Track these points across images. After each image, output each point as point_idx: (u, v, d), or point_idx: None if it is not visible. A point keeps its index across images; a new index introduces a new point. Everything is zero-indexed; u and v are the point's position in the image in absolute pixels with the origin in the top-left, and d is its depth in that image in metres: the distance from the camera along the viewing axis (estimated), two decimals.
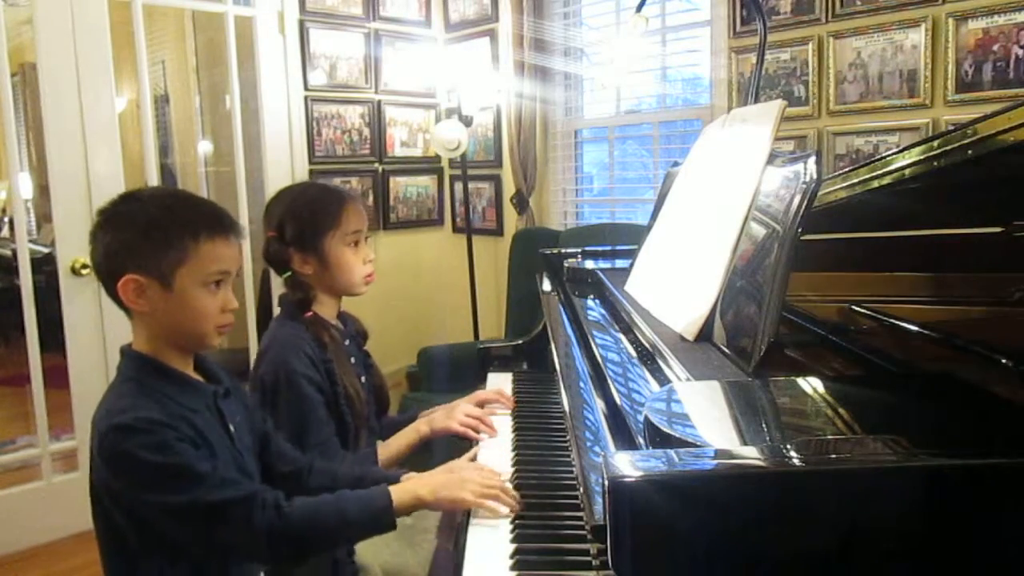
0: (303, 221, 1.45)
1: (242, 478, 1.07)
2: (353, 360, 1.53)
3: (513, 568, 0.96)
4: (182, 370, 1.12)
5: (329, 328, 1.48)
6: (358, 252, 1.49)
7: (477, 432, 1.44)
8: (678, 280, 1.21)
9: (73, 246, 2.50)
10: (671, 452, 0.65)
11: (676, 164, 1.59)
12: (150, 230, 1.05)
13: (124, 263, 1.05)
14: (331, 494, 1.11)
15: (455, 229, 3.74)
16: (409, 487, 1.13)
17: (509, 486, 1.14)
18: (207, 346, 1.14)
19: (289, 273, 1.47)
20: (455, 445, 1.50)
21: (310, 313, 1.47)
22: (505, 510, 1.09)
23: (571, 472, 1.19)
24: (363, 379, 1.54)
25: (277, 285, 2.86)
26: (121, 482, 1.02)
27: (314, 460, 1.31)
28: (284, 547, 1.06)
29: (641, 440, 0.78)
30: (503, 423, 1.48)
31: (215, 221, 1.10)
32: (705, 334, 1.04)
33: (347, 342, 1.54)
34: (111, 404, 1.05)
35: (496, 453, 1.35)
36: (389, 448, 1.48)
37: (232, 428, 1.14)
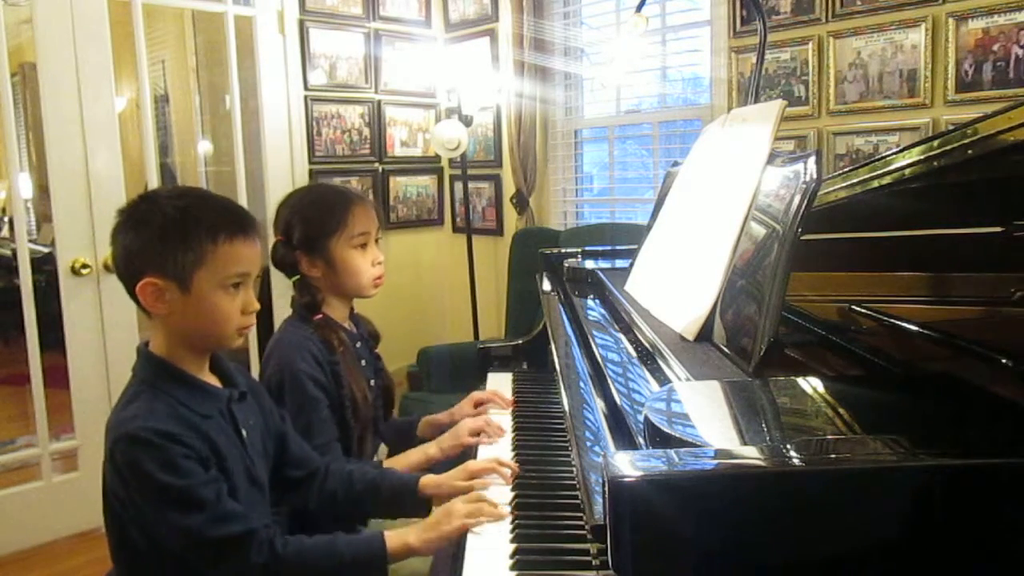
0: (309, 224, 1.44)
1: (243, 510, 1.06)
2: (364, 363, 1.53)
3: (513, 568, 0.96)
4: (197, 374, 1.11)
5: (339, 331, 1.47)
6: (366, 254, 1.48)
7: (488, 436, 1.43)
8: (678, 280, 1.21)
9: (73, 246, 2.50)
10: (671, 452, 0.65)
11: (676, 164, 1.58)
12: (167, 231, 1.04)
13: (143, 265, 1.04)
14: (326, 536, 1.11)
15: (455, 229, 3.74)
16: (400, 535, 1.12)
17: (489, 498, 1.13)
18: (225, 347, 1.13)
19: (298, 276, 1.47)
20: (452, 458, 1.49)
21: (319, 316, 1.46)
22: (488, 520, 1.08)
23: (571, 472, 1.19)
24: (372, 382, 1.53)
25: (277, 285, 2.86)
26: (128, 490, 1.02)
27: (331, 462, 1.31)
28: None
29: (641, 440, 0.78)
30: (503, 421, 1.48)
31: (233, 221, 1.08)
32: (705, 334, 1.04)
33: (358, 344, 1.53)
34: (124, 408, 1.05)
35: (496, 453, 1.35)
36: (398, 465, 1.46)
37: (244, 433, 1.14)
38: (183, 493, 1.00)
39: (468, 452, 1.41)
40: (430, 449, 1.46)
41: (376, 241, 1.51)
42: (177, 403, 1.05)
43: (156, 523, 1.02)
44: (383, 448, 1.61)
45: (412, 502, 1.25)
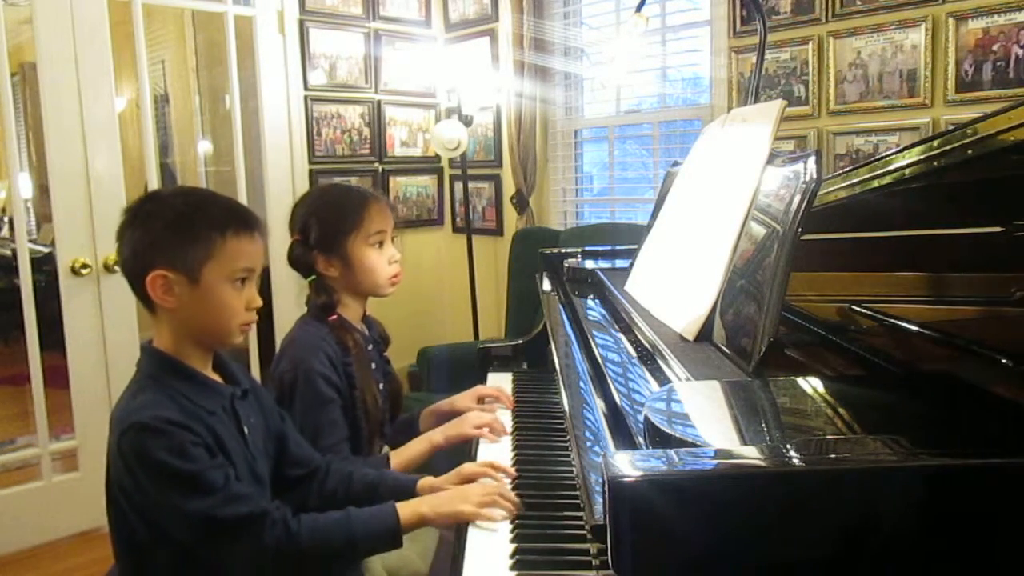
0: (326, 223, 1.44)
1: (253, 492, 1.08)
2: (374, 366, 1.53)
3: (513, 568, 0.96)
4: (201, 370, 1.13)
5: (353, 332, 1.47)
6: (383, 252, 1.48)
7: (493, 432, 1.43)
8: (678, 280, 1.21)
9: (73, 246, 2.50)
10: (671, 452, 0.65)
11: (676, 164, 1.58)
12: (177, 225, 1.07)
13: (152, 259, 1.06)
14: (339, 511, 1.12)
15: (455, 229, 3.74)
16: (412, 505, 1.14)
17: (508, 491, 1.14)
18: (228, 344, 1.15)
19: (314, 277, 1.47)
20: (454, 446, 1.49)
21: (334, 316, 1.46)
22: (501, 514, 1.09)
23: (571, 472, 1.19)
24: (381, 386, 1.53)
25: (278, 285, 2.86)
26: (136, 480, 1.03)
27: (331, 461, 1.31)
28: (290, 565, 1.07)
29: (641, 440, 0.78)
30: (503, 421, 1.48)
31: (240, 218, 1.11)
32: (705, 334, 1.04)
33: (370, 347, 1.53)
34: (129, 401, 1.07)
35: (496, 452, 1.35)
36: (401, 456, 1.46)
37: (247, 430, 1.15)
38: (193, 477, 1.01)
39: (468, 448, 1.41)
40: (434, 437, 1.46)
41: (392, 239, 1.51)
42: (182, 397, 1.07)
43: (166, 511, 1.02)
44: (386, 448, 1.61)
45: None
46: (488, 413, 1.49)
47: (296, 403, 1.37)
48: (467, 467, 1.25)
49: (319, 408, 1.38)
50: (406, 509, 1.13)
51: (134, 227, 1.09)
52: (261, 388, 1.28)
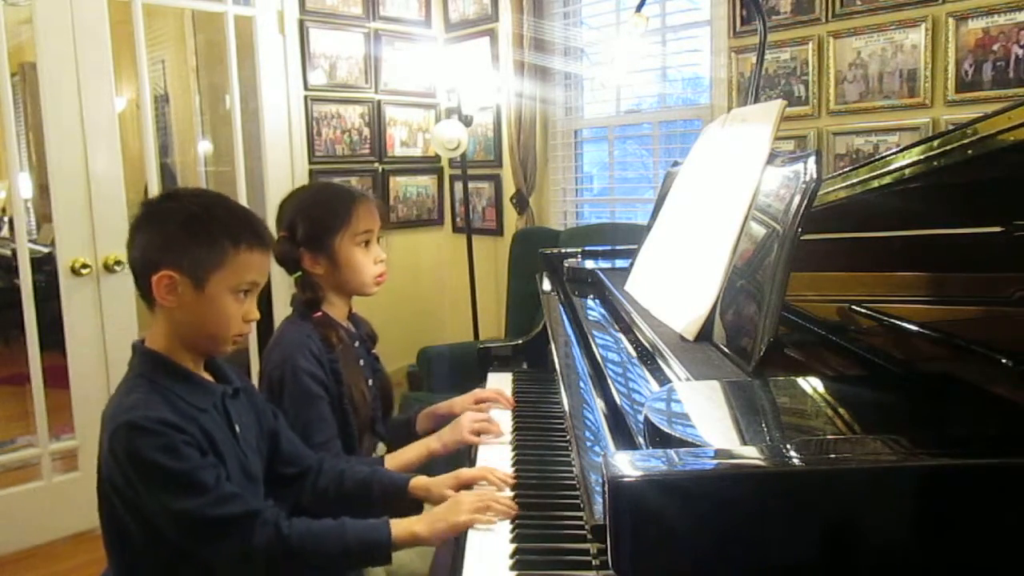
0: (313, 221, 1.45)
1: (244, 492, 1.08)
2: (362, 363, 1.53)
3: (513, 568, 0.96)
4: (193, 370, 1.13)
5: (338, 329, 1.48)
6: (369, 252, 1.49)
7: (488, 434, 1.43)
8: (678, 280, 1.21)
9: (73, 246, 2.50)
10: (671, 452, 0.65)
11: (676, 164, 1.59)
12: (192, 229, 1.07)
13: (162, 258, 1.07)
14: (333, 519, 1.12)
15: (455, 229, 3.74)
16: (408, 524, 1.12)
17: (503, 496, 1.14)
18: (219, 352, 1.16)
19: (300, 273, 1.47)
20: (452, 453, 1.49)
21: (319, 313, 1.46)
22: (497, 518, 1.08)
23: (571, 472, 1.19)
24: (370, 382, 1.54)
25: (278, 289, 2.86)
26: (127, 479, 1.03)
27: (324, 459, 1.31)
28: (280, 568, 1.07)
29: (641, 440, 0.78)
30: (503, 421, 1.48)
31: (254, 231, 1.12)
32: (705, 334, 1.04)
33: (356, 344, 1.54)
34: (121, 400, 1.07)
35: (496, 453, 1.35)
36: (397, 460, 1.45)
37: (238, 428, 1.15)
38: (184, 477, 1.01)
39: (467, 450, 1.41)
40: (431, 443, 1.46)
41: (378, 240, 1.52)
42: (173, 395, 1.07)
43: (156, 509, 1.03)
44: (381, 446, 1.61)
45: (401, 503, 1.25)
46: (483, 414, 1.48)
47: (285, 400, 1.37)
48: (464, 472, 1.25)
49: (307, 405, 1.38)
50: (400, 526, 1.11)
51: (149, 224, 1.09)
52: (253, 387, 1.29)
